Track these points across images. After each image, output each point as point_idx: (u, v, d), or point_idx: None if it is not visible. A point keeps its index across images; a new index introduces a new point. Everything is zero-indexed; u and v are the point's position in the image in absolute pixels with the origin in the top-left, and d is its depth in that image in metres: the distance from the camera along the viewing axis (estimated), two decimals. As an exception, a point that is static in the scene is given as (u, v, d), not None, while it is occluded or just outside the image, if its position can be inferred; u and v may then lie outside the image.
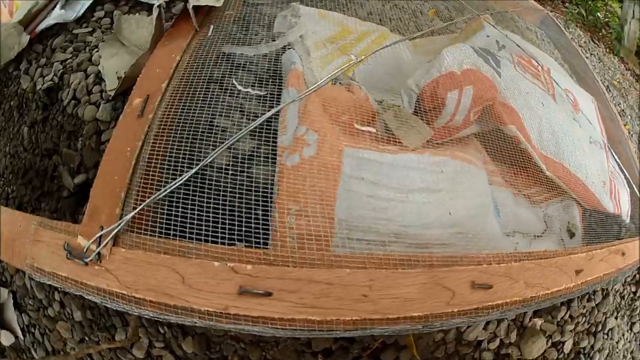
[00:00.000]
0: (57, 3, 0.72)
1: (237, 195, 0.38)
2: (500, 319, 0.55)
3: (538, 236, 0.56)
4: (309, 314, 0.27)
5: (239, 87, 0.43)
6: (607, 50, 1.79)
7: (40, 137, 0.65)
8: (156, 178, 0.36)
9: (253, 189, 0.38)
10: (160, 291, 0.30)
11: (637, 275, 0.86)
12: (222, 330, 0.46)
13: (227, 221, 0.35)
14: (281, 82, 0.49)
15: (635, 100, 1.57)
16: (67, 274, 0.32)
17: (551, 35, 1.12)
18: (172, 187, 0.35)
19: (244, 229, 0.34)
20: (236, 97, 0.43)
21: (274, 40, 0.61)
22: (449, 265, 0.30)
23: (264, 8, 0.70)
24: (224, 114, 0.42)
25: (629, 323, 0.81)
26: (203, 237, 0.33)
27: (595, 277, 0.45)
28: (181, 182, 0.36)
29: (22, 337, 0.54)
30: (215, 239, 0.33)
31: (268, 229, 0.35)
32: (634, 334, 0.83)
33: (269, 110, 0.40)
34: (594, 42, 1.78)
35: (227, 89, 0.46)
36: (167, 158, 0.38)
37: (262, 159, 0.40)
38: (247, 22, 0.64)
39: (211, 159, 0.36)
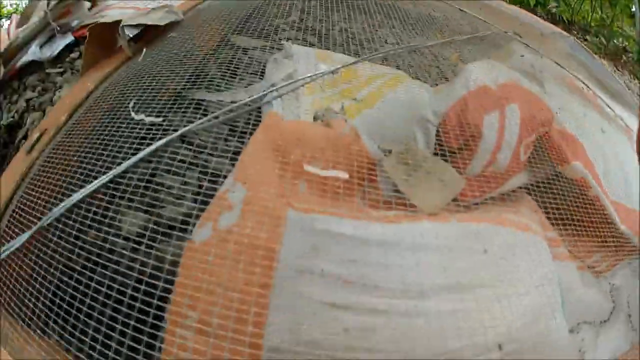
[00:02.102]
0: (35, 40, 0.64)
1: (124, 282, 0.19)
2: None
3: (605, 321, 0.30)
4: None
5: (133, 115, 0.25)
6: (632, 76, 1.57)
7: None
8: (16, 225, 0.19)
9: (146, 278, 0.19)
10: None
11: None
12: None
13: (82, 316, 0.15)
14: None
15: None
16: None
17: (582, 61, 0.90)
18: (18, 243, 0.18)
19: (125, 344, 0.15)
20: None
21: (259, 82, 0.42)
22: None
23: (254, 52, 0.50)
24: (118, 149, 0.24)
25: None
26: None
27: None
28: (21, 242, 0.18)
29: None
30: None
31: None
32: None
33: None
34: (618, 69, 1.58)
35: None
36: (35, 202, 0.22)
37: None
38: (235, 66, 0.44)
39: (61, 210, 0.18)
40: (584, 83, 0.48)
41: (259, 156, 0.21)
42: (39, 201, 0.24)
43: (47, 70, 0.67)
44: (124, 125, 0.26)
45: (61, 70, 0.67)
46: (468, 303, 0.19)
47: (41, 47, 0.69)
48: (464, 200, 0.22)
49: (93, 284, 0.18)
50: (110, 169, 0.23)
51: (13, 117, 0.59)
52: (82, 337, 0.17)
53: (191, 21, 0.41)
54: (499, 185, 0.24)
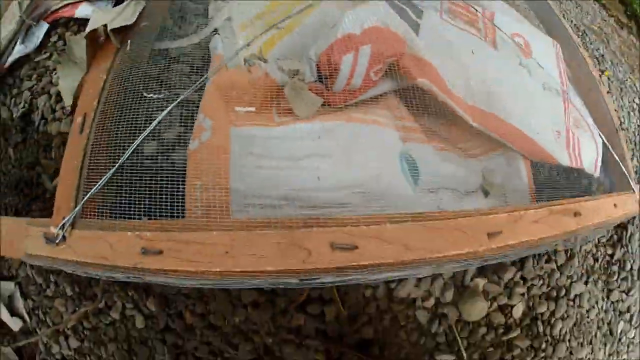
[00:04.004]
0: (17, 40, 0.80)
1: (161, 179, 0.44)
2: (434, 277, 0.57)
3: (472, 192, 0.55)
4: (186, 266, 0.33)
5: (146, 94, 0.47)
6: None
7: (22, 154, 0.77)
8: (95, 180, 0.44)
9: (176, 174, 0.44)
10: (99, 256, 0.38)
11: (615, 236, 0.80)
12: (176, 288, 0.55)
13: (146, 201, 0.42)
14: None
15: (618, 46, 1.36)
16: (48, 254, 0.41)
17: None
18: (100, 186, 0.43)
19: (167, 204, 0.41)
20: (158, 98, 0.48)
21: (206, 27, 0.64)
22: (310, 227, 0.33)
23: None
24: (151, 112, 0.46)
25: (605, 290, 0.77)
26: (126, 216, 0.41)
27: (523, 241, 0.44)
28: (104, 181, 0.43)
29: (29, 320, 0.69)
30: (132, 216, 0.40)
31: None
32: (612, 302, 0.79)
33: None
34: None
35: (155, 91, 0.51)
36: (101, 164, 0.46)
37: (182, 145, 0.46)
38: (183, 14, 0.67)
39: (125, 157, 0.42)
40: (476, 8, 0.62)
41: (213, 98, 0.44)
42: (103, 160, 0.46)
43: (35, 59, 0.84)
44: (140, 102, 0.48)
45: (48, 54, 0.84)
46: (327, 163, 0.43)
47: (23, 42, 0.84)
48: (332, 107, 0.45)
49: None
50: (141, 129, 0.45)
51: (24, 106, 0.78)
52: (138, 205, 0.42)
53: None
54: (356, 96, 0.46)
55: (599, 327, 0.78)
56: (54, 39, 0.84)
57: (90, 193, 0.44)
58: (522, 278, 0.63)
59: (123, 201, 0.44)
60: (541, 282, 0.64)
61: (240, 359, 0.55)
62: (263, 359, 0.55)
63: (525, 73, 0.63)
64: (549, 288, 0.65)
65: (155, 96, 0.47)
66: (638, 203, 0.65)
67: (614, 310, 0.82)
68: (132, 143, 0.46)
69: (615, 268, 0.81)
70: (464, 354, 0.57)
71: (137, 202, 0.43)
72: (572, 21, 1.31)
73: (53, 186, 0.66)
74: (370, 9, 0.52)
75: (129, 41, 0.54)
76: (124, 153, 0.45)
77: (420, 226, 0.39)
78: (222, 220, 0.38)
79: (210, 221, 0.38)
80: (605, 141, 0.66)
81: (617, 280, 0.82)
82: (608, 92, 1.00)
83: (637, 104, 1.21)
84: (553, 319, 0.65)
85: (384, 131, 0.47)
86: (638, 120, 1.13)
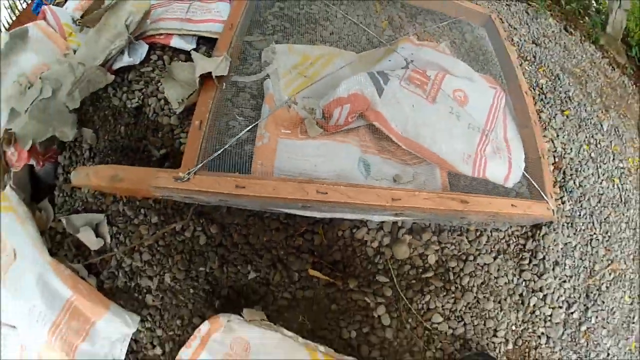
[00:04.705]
0: (124, 50, 1.69)
1: (241, 157, 1.30)
2: (378, 229, 1.39)
3: (402, 183, 1.37)
4: (254, 192, 1.17)
5: (237, 117, 1.34)
6: (583, 38, 2.33)
7: (133, 132, 1.66)
8: (209, 151, 1.30)
9: (248, 155, 1.29)
10: (209, 188, 1.24)
11: (529, 232, 1.58)
12: (231, 219, 1.40)
13: (234, 167, 1.27)
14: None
15: (599, 87, 2.16)
16: (176, 186, 1.27)
17: (492, 36, 1.82)
18: (215, 156, 1.29)
19: (244, 169, 1.27)
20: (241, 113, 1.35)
21: (261, 71, 1.51)
22: (308, 183, 1.17)
23: (257, 44, 1.60)
24: (235, 119, 1.33)
25: (517, 269, 1.56)
26: (227, 170, 1.27)
27: (414, 207, 1.26)
28: (219, 153, 1.29)
29: (109, 241, 1.54)
30: (232, 171, 1.26)
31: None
32: (524, 280, 1.57)
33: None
34: (566, 30, 2.34)
35: (237, 107, 1.39)
36: (210, 146, 1.32)
37: (250, 143, 1.32)
38: (246, 55, 1.55)
39: (233, 142, 1.29)
40: (430, 75, 1.46)
41: (270, 122, 1.33)
42: (212, 144, 1.36)
43: (141, 70, 1.75)
44: (230, 116, 1.36)
45: (150, 68, 1.75)
46: (322, 160, 1.30)
47: (129, 55, 1.74)
48: (327, 133, 1.30)
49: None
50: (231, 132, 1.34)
51: (137, 101, 1.70)
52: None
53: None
54: (341, 128, 1.32)
55: (509, 294, 1.58)
56: (154, 57, 1.77)
57: (206, 160, 1.29)
58: (438, 241, 1.47)
59: (223, 165, 1.28)
60: (453, 246, 1.47)
61: (263, 265, 1.38)
62: (276, 265, 1.39)
63: (454, 117, 1.44)
64: (460, 252, 1.48)
65: (240, 118, 1.33)
66: (552, 211, 1.44)
67: (526, 286, 1.60)
68: (227, 139, 1.31)
69: (526, 254, 1.59)
70: (395, 279, 1.36)
71: (229, 167, 1.27)
72: (547, 65, 2.12)
73: (160, 154, 1.54)
74: (356, 79, 1.37)
75: (224, 83, 1.41)
76: (223, 143, 1.31)
77: (357, 189, 1.21)
78: (270, 177, 1.20)
79: (265, 177, 1.20)
80: (524, 164, 1.47)
81: (528, 264, 1.60)
82: (545, 129, 1.80)
83: (594, 139, 1.99)
84: (462, 273, 1.47)
85: (352, 147, 1.34)
86: (587, 152, 1.91)
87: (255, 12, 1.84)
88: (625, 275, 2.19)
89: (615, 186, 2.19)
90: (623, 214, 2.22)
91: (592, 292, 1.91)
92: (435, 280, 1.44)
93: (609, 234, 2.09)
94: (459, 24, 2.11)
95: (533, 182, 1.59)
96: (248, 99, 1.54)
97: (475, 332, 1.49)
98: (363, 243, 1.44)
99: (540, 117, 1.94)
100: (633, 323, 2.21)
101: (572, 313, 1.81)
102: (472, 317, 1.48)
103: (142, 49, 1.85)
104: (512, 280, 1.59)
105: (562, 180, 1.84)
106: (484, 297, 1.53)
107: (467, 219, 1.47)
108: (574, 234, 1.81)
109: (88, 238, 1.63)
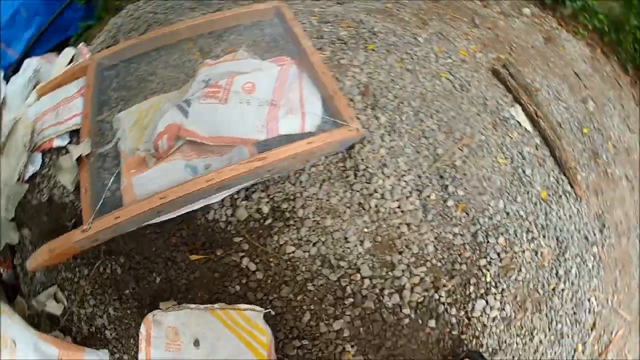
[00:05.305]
0: (27, 163, 3.03)
1: (116, 199, 2.50)
2: (221, 206, 2.52)
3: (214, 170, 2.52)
4: (125, 217, 2.34)
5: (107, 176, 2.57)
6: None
7: (51, 217, 2.94)
8: (95, 204, 2.52)
9: (119, 197, 2.50)
10: (103, 226, 2.43)
11: (345, 154, 2.63)
12: (128, 245, 2.59)
13: (115, 205, 2.48)
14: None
15: (415, 9, 3.24)
16: (85, 235, 2.47)
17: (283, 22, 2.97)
18: (98, 205, 2.51)
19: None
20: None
21: (114, 138, 2.78)
22: (157, 194, 2.34)
23: (107, 119, 2.89)
24: (106, 178, 2.56)
25: (347, 185, 2.60)
26: (110, 211, 2.47)
27: (222, 179, 2.37)
28: (100, 203, 2.52)
29: (66, 303, 2.76)
30: (112, 210, 2.46)
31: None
32: (356, 190, 2.62)
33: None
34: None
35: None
36: (97, 200, 2.56)
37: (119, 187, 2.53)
38: (103, 131, 2.82)
39: (106, 192, 2.50)
40: (221, 84, 2.63)
41: (125, 170, 2.54)
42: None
43: (42, 172, 3.09)
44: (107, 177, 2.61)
45: (47, 169, 3.09)
46: (158, 172, 2.46)
47: (32, 164, 3.11)
48: (162, 156, 2.50)
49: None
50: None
51: (47, 195, 3.03)
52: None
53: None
54: (168, 152, 2.51)
55: (347, 207, 2.58)
56: (46, 159, 3.06)
57: (95, 210, 2.48)
58: (267, 195, 2.51)
59: (107, 209, 2.47)
60: (280, 193, 2.50)
61: (160, 268, 2.53)
62: (168, 263, 2.53)
63: (245, 105, 2.55)
64: (287, 195, 2.50)
65: (108, 175, 2.54)
66: (355, 130, 2.50)
67: (361, 195, 2.61)
68: (103, 193, 2.50)
69: (350, 172, 2.61)
70: (246, 235, 2.43)
71: (111, 208, 2.46)
72: (350, 18, 3.21)
73: (72, 223, 2.77)
74: (168, 114, 2.52)
75: (92, 158, 2.65)
76: (101, 196, 2.50)
77: (182, 185, 2.34)
78: (133, 203, 2.36)
79: (130, 204, 2.37)
80: (321, 109, 2.57)
81: (355, 177, 2.61)
82: (347, 70, 2.86)
83: (408, 53, 3.03)
84: (295, 209, 2.50)
85: (178, 161, 2.47)
86: (401, 68, 2.94)
87: (100, 95, 3.06)
88: (488, 143, 2.80)
89: (445, 80, 3.07)
90: (462, 97, 3.02)
91: (445, 172, 2.58)
92: (276, 222, 2.40)
93: (445, 120, 2.77)
94: (257, 25, 3.24)
95: (328, 117, 2.60)
96: (111, 160, 2.69)
97: (327, 245, 2.31)
98: (215, 221, 2.45)
99: (340, 63, 2.92)
100: (527, 177, 2.81)
101: (428, 196, 2.49)
102: (317, 236, 2.33)
103: (38, 157, 3.10)
104: (345, 196, 2.45)
105: (374, 101, 2.76)
106: (321, 217, 2.40)
107: (276, 169, 2.47)
108: (399, 136, 2.63)
109: (52, 308, 2.87)
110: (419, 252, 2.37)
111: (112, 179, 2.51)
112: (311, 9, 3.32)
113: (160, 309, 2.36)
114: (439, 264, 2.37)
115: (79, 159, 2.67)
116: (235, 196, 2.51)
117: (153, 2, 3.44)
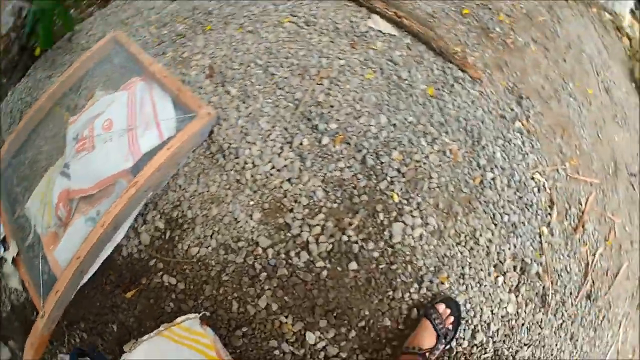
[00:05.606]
0: None
1: (51, 280, 3.17)
2: (129, 238, 3.09)
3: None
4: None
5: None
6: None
7: (19, 319, 3.69)
8: (40, 291, 3.21)
9: (54, 276, 3.17)
10: (52, 303, 3.10)
11: (208, 140, 3.07)
12: (78, 314, 3.25)
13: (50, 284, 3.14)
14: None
15: None
16: (45, 319, 3.15)
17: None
18: (41, 291, 3.19)
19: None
20: None
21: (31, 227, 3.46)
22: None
23: (21, 212, 3.59)
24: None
25: (221, 169, 3.05)
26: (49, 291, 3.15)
27: (112, 213, 2.95)
28: (41, 288, 3.19)
29: None
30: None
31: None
32: (230, 170, 3.02)
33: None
34: None
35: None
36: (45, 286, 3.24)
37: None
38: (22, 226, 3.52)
39: (44, 277, 3.18)
40: (87, 132, 3.20)
41: (45, 245, 3.21)
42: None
43: None
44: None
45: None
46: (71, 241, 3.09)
47: None
48: (65, 223, 3.13)
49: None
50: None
51: (9, 304, 3.80)
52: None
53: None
54: (69, 217, 3.13)
55: (226, 189, 3.04)
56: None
57: (42, 296, 3.15)
58: (158, 211, 2.97)
59: (48, 290, 3.15)
60: (167, 204, 2.98)
61: (109, 316, 3.16)
62: (113, 310, 3.15)
63: (109, 143, 3.09)
64: (172, 202, 2.93)
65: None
66: (207, 114, 2.99)
67: (235, 171, 3.03)
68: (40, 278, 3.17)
69: (218, 155, 2.73)
70: (157, 254, 2.99)
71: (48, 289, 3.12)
72: None
73: (34, 317, 3.51)
74: (57, 184, 3.11)
75: (22, 255, 3.35)
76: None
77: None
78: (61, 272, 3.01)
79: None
80: (173, 113, 3.08)
81: (224, 158, 2.91)
82: (166, 77, 3.30)
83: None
84: (184, 212, 2.93)
85: (79, 219, 3.03)
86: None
87: (8, 197, 3.70)
88: (350, 65, 2.95)
89: (288, 24, 3.21)
90: (310, 33, 3.19)
91: (310, 113, 2.75)
92: (174, 232, 2.65)
93: (296, 63, 3.00)
94: (106, 59, 3.75)
95: (181, 115, 3.01)
96: (37, 247, 3.25)
97: (222, 233, 2.51)
98: (129, 255, 2.79)
99: (183, 57, 3.30)
100: (405, 80, 2.96)
101: (300, 144, 2.68)
102: (210, 228, 2.54)
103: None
104: (222, 179, 2.62)
105: (222, 78, 3.09)
106: (208, 210, 2.65)
107: (154, 185, 2.85)
108: (254, 100, 2.74)
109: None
110: (310, 202, 2.53)
111: (41, 263, 3.17)
112: (148, 19, 3.79)
113: (125, 351, 2.97)
114: (334, 205, 2.51)
115: (14, 261, 3.37)
116: (135, 225, 3.03)
117: (17, 92, 4.01)
